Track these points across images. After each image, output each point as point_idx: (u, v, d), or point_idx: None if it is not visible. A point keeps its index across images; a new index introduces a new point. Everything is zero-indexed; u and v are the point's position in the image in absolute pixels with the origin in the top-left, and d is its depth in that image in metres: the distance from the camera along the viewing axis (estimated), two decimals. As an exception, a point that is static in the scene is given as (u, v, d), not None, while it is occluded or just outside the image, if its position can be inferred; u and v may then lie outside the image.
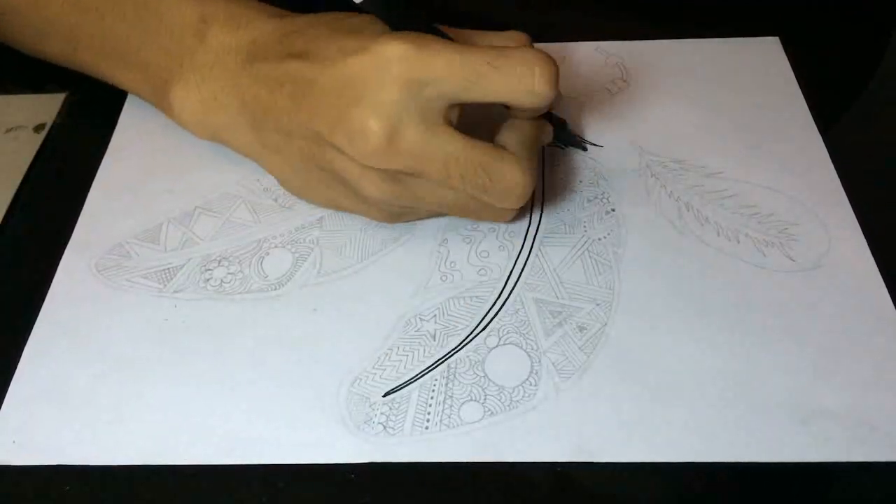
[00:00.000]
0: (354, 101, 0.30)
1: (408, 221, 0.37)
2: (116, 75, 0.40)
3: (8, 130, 0.42)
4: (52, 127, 0.43)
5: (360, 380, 0.32)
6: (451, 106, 0.31)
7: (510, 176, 0.31)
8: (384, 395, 0.31)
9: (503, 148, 0.32)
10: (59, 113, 0.43)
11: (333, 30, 0.33)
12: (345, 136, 0.30)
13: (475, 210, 0.34)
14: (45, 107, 0.43)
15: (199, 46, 0.36)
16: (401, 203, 0.33)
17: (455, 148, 0.30)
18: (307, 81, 0.31)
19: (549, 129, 0.36)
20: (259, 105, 0.34)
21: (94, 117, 0.43)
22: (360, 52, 0.30)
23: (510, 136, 0.33)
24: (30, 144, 0.41)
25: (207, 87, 0.36)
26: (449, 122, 0.31)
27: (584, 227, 0.37)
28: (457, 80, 0.29)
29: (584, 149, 0.40)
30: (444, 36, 0.32)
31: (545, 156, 0.40)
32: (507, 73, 0.30)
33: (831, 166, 0.39)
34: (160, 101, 0.39)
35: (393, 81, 0.29)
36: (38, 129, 0.42)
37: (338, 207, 0.37)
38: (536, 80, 0.30)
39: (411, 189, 0.32)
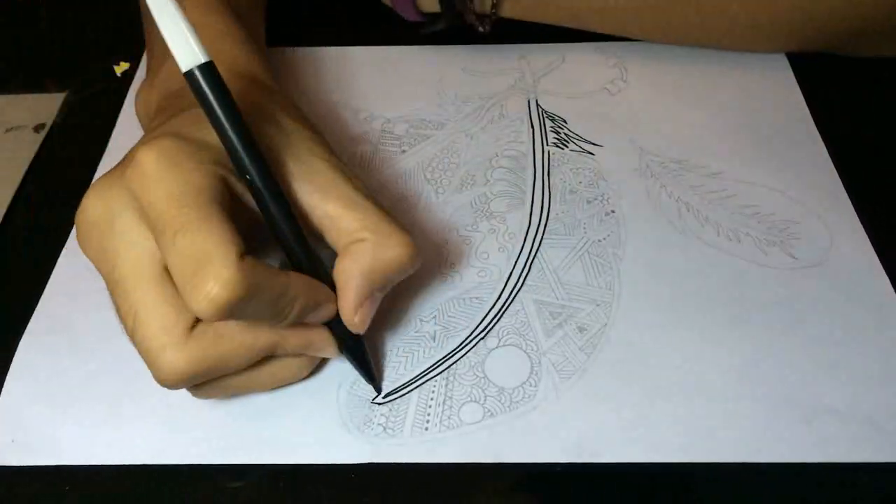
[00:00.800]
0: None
1: None
2: None
3: (8, 130, 0.42)
4: (52, 127, 0.43)
5: (360, 381, 0.31)
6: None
7: (152, 350, 0.26)
8: (384, 397, 0.31)
9: (173, 317, 0.26)
10: (59, 113, 0.43)
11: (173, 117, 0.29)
12: None
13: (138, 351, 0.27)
14: (45, 107, 0.44)
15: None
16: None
17: (132, 274, 0.26)
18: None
19: (325, 341, 0.29)
20: None
21: (93, 117, 0.43)
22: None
23: (212, 328, 0.26)
24: (30, 144, 0.41)
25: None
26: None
27: (584, 228, 0.37)
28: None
29: (377, 389, 0.31)
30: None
31: (546, 159, 0.40)
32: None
33: (831, 165, 0.39)
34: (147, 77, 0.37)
35: (121, 181, 0.26)
36: (38, 128, 0.42)
37: None
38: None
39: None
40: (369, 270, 0.28)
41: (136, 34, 0.42)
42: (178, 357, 0.26)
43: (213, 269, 0.23)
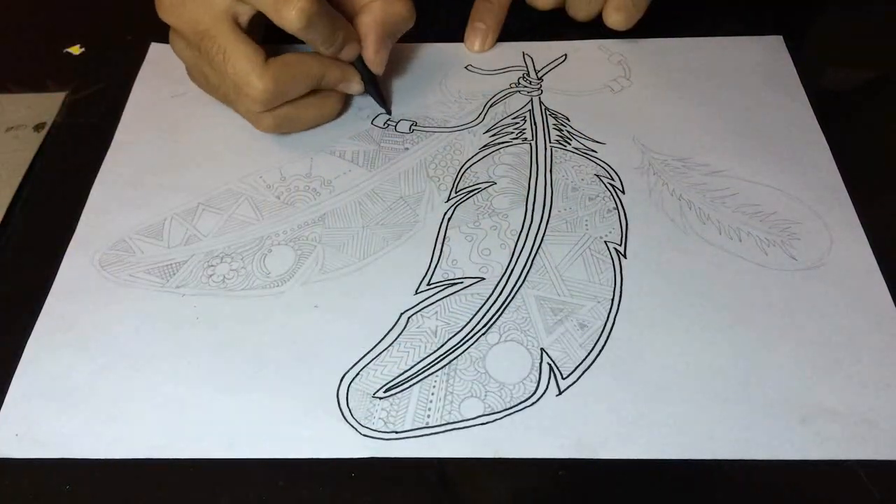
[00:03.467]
0: None
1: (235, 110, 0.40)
2: None
3: (8, 129, 0.42)
4: (52, 126, 0.43)
5: (362, 376, 0.32)
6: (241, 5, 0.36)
7: (243, 72, 0.35)
8: (385, 392, 0.31)
9: (257, 54, 0.36)
10: (59, 112, 0.43)
11: None
12: None
13: (232, 100, 0.39)
14: (45, 106, 0.44)
15: None
16: (187, 65, 0.40)
17: (213, 25, 0.35)
18: None
19: (351, 76, 0.40)
20: None
21: (93, 116, 0.43)
22: None
23: (285, 56, 0.37)
24: (30, 143, 0.41)
25: None
26: (232, 15, 0.36)
27: (586, 224, 0.37)
28: None
29: (387, 111, 0.43)
30: None
31: (549, 156, 0.40)
32: None
33: (834, 165, 0.39)
34: None
35: None
36: (38, 128, 0.42)
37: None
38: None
39: (191, 51, 0.38)
40: (382, 22, 0.38)
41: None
42: (261, 79, 0.35)
43: (253, 83, 0.35)
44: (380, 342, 0.33)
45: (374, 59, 0.39)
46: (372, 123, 0.42)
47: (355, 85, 0.40)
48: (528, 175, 0.39)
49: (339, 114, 0.42)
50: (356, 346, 0.33)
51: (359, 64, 0.40)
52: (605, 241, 0.36)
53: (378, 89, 0.42)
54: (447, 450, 0.30)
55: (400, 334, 0.33)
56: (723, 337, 0.33)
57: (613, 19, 0.44)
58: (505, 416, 0.30)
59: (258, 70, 0.35)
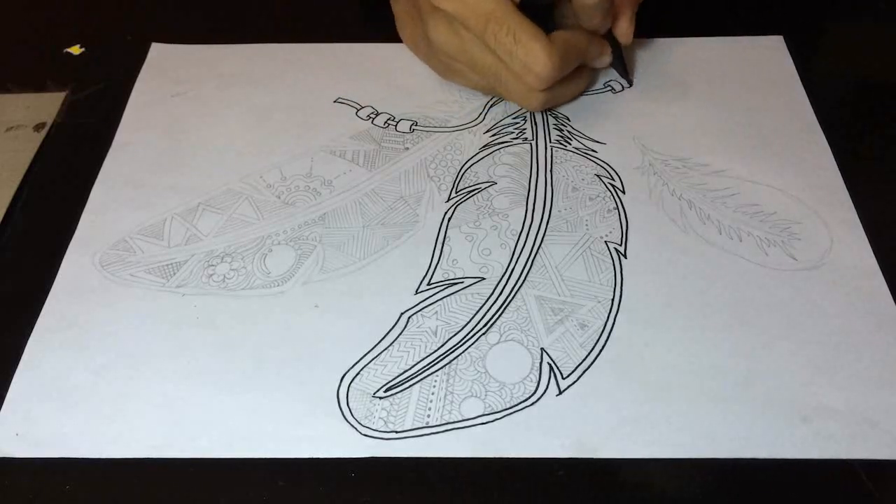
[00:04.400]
0: None
1: (458, 84, 0.43)
2: None
3: (8, 129, 0.42)
4: (52, 126, 0.43)
5: (362, 376, 0.32)
6: None
7: (534, 52, 0.37)
8: (385, 391, 0.31)
9: (543, 34, 0.37)
10: (59, 112, 0.43)
11: None
12: None
13: (505, 81, 0.39)
14: (46, 106, 0.44)
15: None
16: (451, 51, 0.40)
17: (499, 8, 0.37)
18: None
19: (606, 50, 0.42)
20: None
21: (93, 116, 0.43)
22: None
23: (560, 34, 0.39)
24: (30, 143, 0.41)
25: None
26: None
27: (586, 224, 0.37)
28: None
29: (629, 82, 0.45)
30: None
31: (549, 155, 0.40)
32: None
33: (834, 165, 0.39)
34: None
35: None
36: (38, 128, 0.42)
37: (417, 52, 0.45)
38: None
39: (460, 37, 0.39)
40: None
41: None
42: (551, 58, 0.37)
43: (536, 66, 0.37)
44: (380, 342, 0.33)
45: (628, 31, 0.41)
46: (372, 123, 0.42)
47: (607, 58, 0.42)
48: (529, 175, 0.39)
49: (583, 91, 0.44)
50: (356, 345, 0.33)
51: (609, 37, 0.42)
52: (606, 241, 0.36)
53: (623, 60, 0.44)
54: (447, 450, 0.30)
55: (400, 334, 0.33)
56: (723, 337, 0.33)
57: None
58: (505, 415, 0.30)
59: (548, 49, 0.37)
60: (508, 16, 0.37)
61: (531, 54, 0.37)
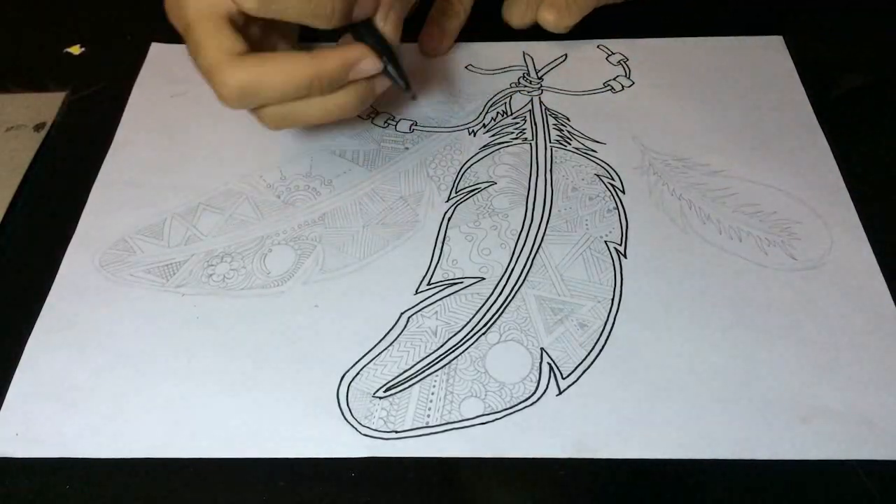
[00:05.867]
0: None
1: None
2: None
3: (8, 129, 0.42)
4: (52, 126, 0.43)
5: (362, 376, 0.32)
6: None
7: (211, 61, 0.32)
8: (385, 391, 0.31)
9: (244, 47, 0.32)
10: (59, 112, 0.43)
11: None
12: None
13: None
14: (45, 106, 0.44)
15: None
16: None
17: (193, 19, 0.32)
18: None
19: (361, 55, 0.33)
20: None
21: (93, 116, 0.43)
22: None
23: (276, 53, 0.34)
24: (30, 143, 0.41)
25: None
26: (223, 12, 0.33)
27: (586, 224, 0.37)
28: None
29: (410, 93, 0.36)
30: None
31: (548, 155, 0.40)
32: None
33: (834, 165, 0.39)
34: None
35: None
36: (38, 127, 0.42)
37: None
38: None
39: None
40: None
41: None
42: (230, 73, 0.31)
43: (217, 77, 0.31)
44: (380, 342, 0.33)
45: (386, 21, 0.34)
46: (372, 123, 0.42)
47: (368, 62, 0.33)
48: (529, 175, 0.39)
49: (357, 110, 0.35)
50: (356, 345, 0.33)
51: (369, 40, 0.34)
52: (606, 241, 0.36)
53: (397, 64, 0.35)
54: (447, 449, 0.30)
55: (400, 334, 0.33)
56: (723, 337, 0.33)
57: (544, 18, 0.43)
58: (505, 415, 0.30)
59: (227, 61, 0.31)
60: (200, 25, 0.32)
61: (206, 67, 0.32)
